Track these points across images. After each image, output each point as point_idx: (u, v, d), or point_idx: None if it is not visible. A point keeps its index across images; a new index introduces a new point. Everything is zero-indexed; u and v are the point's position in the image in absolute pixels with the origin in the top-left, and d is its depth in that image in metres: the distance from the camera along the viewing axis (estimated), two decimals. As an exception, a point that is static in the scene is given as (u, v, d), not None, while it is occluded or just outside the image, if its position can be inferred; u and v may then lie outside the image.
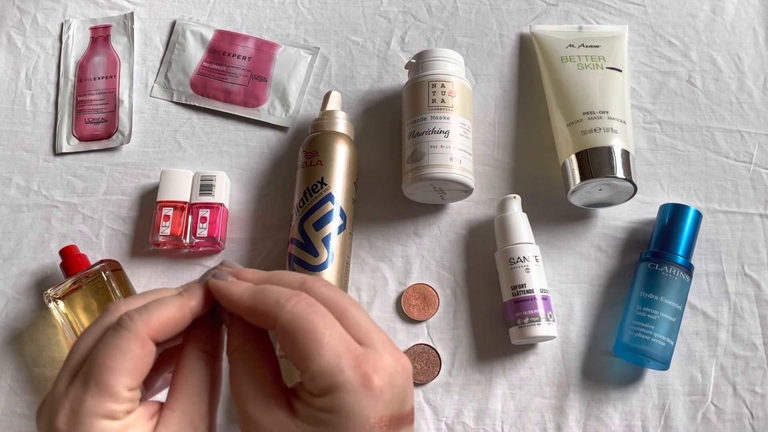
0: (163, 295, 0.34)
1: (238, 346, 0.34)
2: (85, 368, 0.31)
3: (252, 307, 0.32)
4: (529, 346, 0.56)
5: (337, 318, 0.32)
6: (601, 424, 0.53)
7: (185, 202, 0.58)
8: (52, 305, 0.53)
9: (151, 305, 0.32)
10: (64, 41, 0.67)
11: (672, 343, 0.53)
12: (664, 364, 0.53)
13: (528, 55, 0.66)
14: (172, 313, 0.33)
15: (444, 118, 0.56)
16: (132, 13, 0.68)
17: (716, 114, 0.63)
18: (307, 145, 0.58)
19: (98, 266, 0.54)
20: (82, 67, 0.66)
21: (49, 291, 0.54)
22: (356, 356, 0.30)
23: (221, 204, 0.58)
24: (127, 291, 0.55)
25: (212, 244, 0.58)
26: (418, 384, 0.55)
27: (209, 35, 0.67)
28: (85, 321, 0.53)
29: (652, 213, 0.59)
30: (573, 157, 0.56)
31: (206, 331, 0.35)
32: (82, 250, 0.57)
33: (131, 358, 0.31)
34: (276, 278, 0.34)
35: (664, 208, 0.57)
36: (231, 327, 0.35)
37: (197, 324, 0.34)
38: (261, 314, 0.32)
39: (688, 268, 0.54)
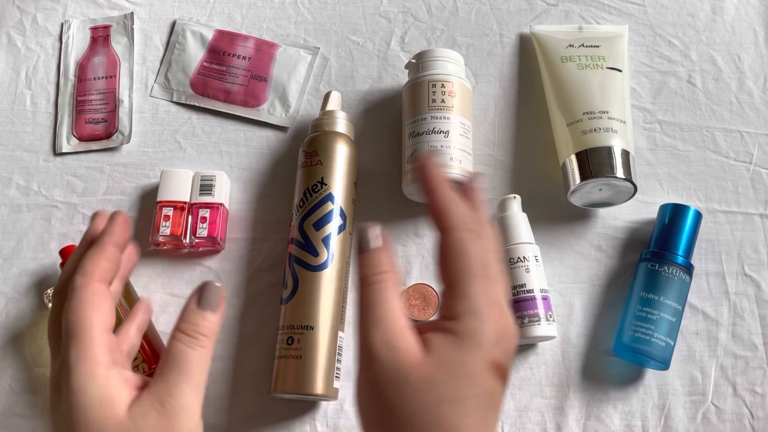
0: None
1: (382, 273, 0.34)
2: (63, 332, 0.35)
3: (438, 205, 0.33)
4: (529, 346, 0.56)
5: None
6: (601, 424, 0.53)
7: (185, 202, 0.58)
8: (51, 305, 0.53)
9: (85, 260, 0.37)
10: (64, 41, 0.67)
11: (672, 343, 0.53)
12: (664, 364, 0.53)
13: (528, 55, 0.66)
14: (104, 262, 0.37)
15: (444, 118, 0.56)
16: (132, 13, 0.68)
17: (716, 114, 0.63)
18: (307, 145, 0.58)
19: (98, 266, 0.54)
20: (82, 67, 0.66)
21: (49, 291, 0.54)
22: (498, 303, 0.32)
23: (221, 204, 0.58)
24: (127, 291, 0.55)
25: (212, 244, 0.58)
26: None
27: (209, 35, 0.66)
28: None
29: (652, 213, 0.59)
30: (573, 157, 0.56)
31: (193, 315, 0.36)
32: (82, 250, 0.57)
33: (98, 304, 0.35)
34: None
35: (664, 208, 0.57)
36: (377, 251, 0.35)
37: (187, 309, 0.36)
38: (440, 216, 0.33)
39: (688, 268, 0.54)
